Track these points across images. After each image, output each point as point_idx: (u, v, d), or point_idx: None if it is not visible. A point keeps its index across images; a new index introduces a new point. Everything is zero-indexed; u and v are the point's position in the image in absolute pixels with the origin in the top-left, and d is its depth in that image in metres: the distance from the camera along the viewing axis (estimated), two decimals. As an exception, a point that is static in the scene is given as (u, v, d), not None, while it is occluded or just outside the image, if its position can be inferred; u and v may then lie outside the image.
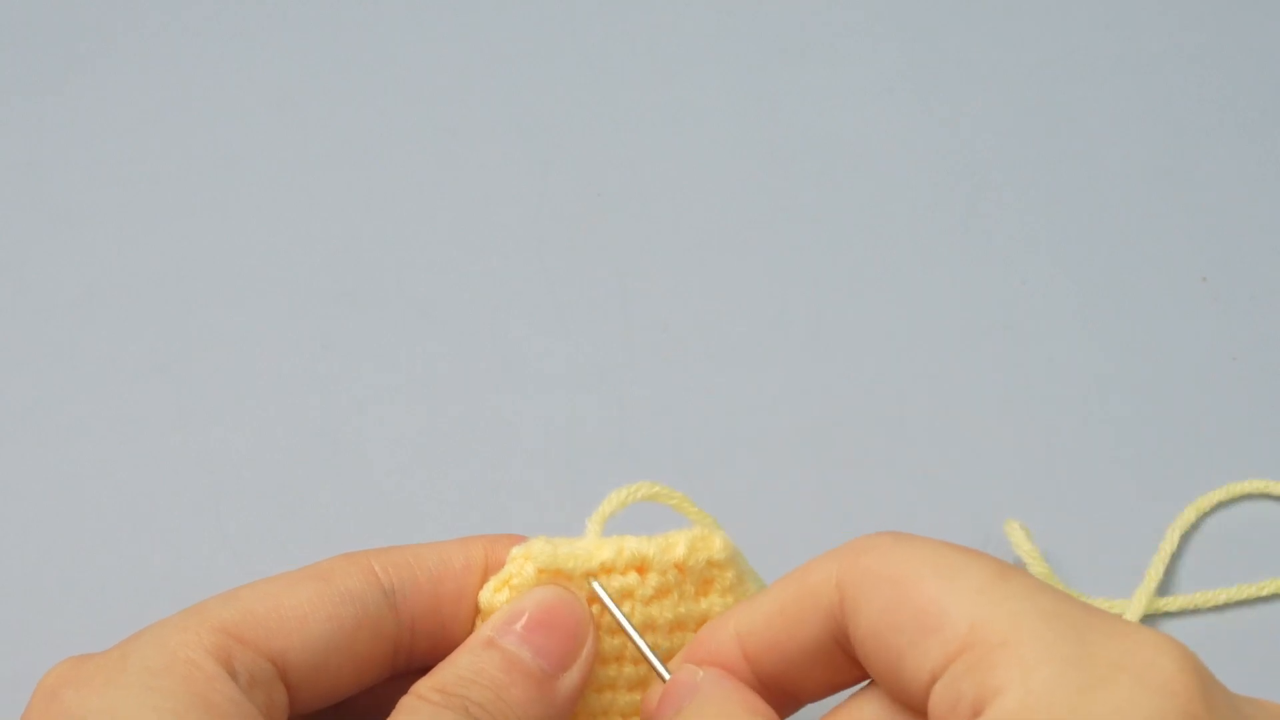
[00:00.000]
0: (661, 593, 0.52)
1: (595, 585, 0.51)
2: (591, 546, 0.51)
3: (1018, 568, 0.43)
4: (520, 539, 0.52)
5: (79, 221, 0.79)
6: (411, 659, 0.50)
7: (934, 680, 0.41)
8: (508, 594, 0.50)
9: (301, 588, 0.47)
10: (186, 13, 0.87)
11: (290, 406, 0.74)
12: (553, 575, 0.50)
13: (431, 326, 0.76)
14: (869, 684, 0.46)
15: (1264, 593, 0.68)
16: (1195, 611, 0.68)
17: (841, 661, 0.46)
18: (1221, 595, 0.67)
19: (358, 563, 0.49)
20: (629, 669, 0.52)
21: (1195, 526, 0.70)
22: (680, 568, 0.52)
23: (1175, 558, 0.69)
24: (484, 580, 0.51)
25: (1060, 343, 0.75)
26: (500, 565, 0.51)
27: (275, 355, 0.75)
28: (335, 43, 0.86)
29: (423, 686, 0.47)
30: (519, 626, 0.49)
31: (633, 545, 0.51)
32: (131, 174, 0.81)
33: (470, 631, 0.50)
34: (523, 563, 0.50)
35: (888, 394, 0.74)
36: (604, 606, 0.51)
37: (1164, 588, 0.68)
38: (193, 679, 0.43)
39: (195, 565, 0.69)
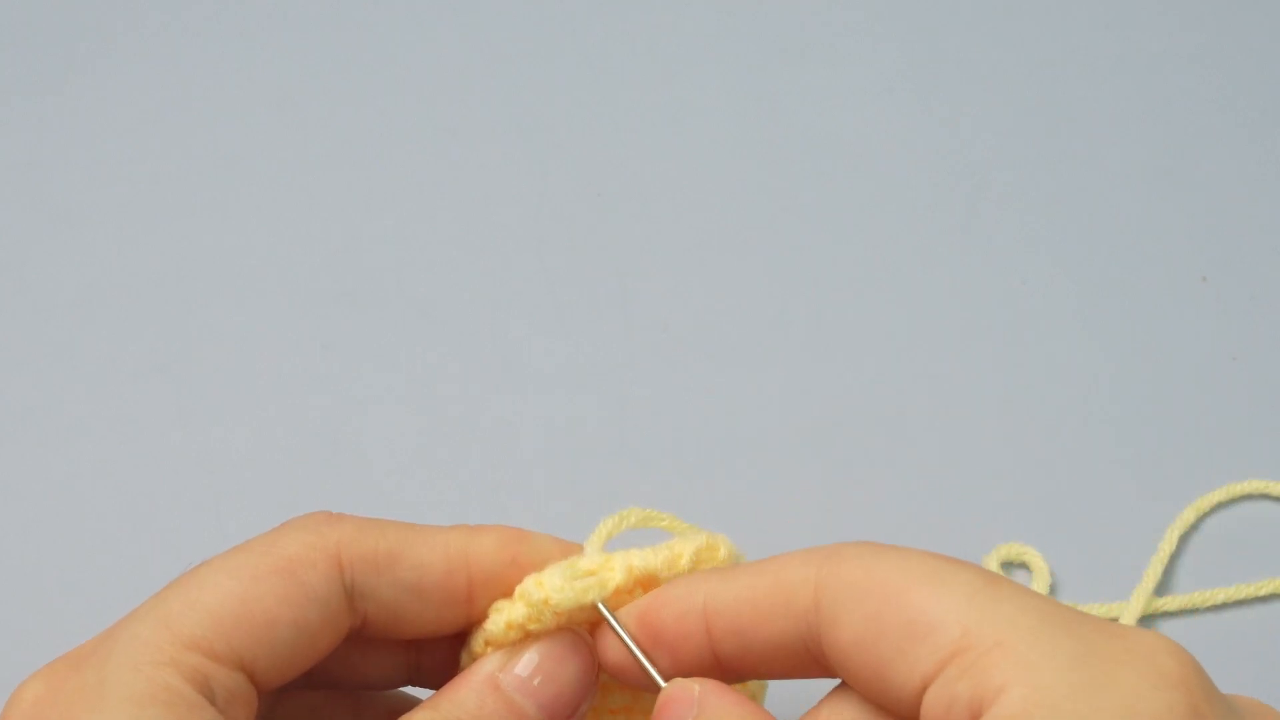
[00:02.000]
0: None
1: (602, 608, 0.48)
2: (604, 573, 0.48)
3: (1004, 576, 0.43)
4: (513, 531, 0.50)
5: (79, 221, 0.79)
6: (362, 631, 0.49)
7: (925, 686, 0.41)
8: (519, 633, 0.48)
9: (265, 585, 0.46)
10: (186, 13, 0.87)
11: (290, 406, 0.74)
12: (569, 613, 0.48)
13: (431, 326, 0.76)
14: (844, 684, 0.46)
15: (1262, 593, 0.68)
16: (1194, 612, 0.68)
17: (805, 660, 0.46)
18: (1220, 595, 0.67)
19: (324, 547, 0.47)
20: (615, 697, 0.52)
21: (1194, 527, 0.70)
22: None
23: (1174, 558, 0.69)
24: (468, 586, 0.49)
25: (1060, 343, 0.75)
26: (485, 566, 0.49)
27: (275, 355, 0.75)
28: (335, 43, 0.86)
29: None
30: (526, 673, 0.48)
31: (639, 562, 0.49)
32: (131, 174, 0.81)
33: (437, 624, 0.49)
34: (541, 608, 0.48)
35: (888, 394, 0.74)
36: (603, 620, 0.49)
37: (1163, 588, 0.68)
38: (175, 706, 0.43)
39: (195, 565, 0.69)
